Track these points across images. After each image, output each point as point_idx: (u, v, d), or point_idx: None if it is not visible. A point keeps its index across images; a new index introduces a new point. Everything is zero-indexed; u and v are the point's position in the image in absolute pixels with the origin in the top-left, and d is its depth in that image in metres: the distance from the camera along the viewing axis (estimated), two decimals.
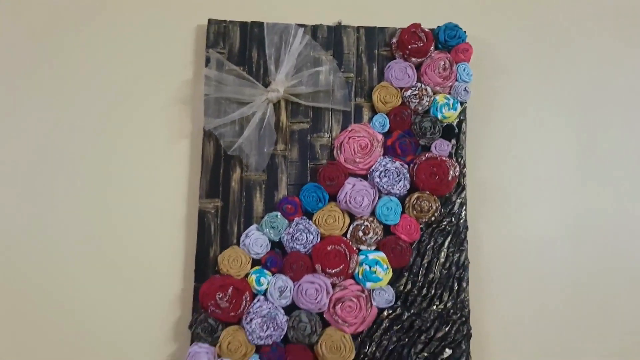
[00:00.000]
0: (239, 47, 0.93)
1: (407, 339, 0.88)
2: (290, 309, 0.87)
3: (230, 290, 0.85)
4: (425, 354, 0.87)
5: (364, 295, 0.86)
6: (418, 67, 0.93)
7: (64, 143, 0.94)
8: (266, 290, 0.87)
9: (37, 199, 0.92)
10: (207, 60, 0.91)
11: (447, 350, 0.87)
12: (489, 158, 0.96)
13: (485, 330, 0.91)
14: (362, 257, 0.87)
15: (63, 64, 0.96)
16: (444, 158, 0.90)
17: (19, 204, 0.92)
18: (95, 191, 0.93)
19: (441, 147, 0.91)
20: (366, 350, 0.86)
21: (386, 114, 0.93)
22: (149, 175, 0.93)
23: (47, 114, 0.95)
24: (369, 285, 0.86)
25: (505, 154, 0.97)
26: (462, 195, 0.92)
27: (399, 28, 0.94)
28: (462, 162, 0.92)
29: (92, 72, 0.96)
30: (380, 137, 0.91)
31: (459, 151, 0.93)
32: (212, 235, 0.89)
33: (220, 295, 0.85)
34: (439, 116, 0.92)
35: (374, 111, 0.93)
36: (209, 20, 0.93)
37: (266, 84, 0.91)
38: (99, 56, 0.96)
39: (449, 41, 0.92)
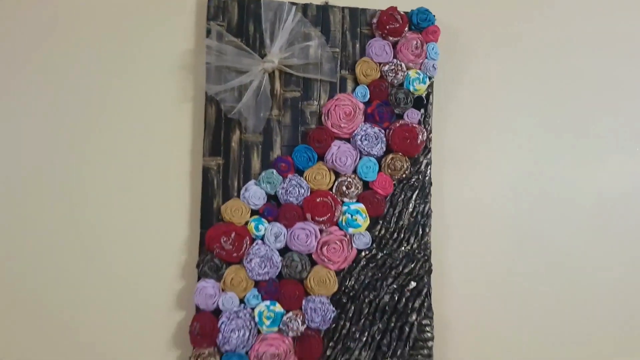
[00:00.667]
0: (237, 21, 0.96)
1: (380, 274, 0.96)
2: (284, 251, 0.94)
3: (233, 235, 0.92)
4: (395, 286, 0.96)
5: (346, 239, 0.95)
6: (394, 45, 0.99)
7: (74, 107, 0.96)
8: (263, 235, 0.94)
9: (47, 158, 0.96)
10: (208, 32, 0.94)
11: (412, 282, 0.97)
12: (452, 125, 1.03)
13: (444, 266, 1.01)
14: (345, 207, 0.95)
15: (70, 32, 0.97)
16: (414, 125, 0.97)
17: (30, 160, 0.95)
18: (107, 149, 0.96)
19: (412, 116, 0.98)
20: (347, 283, 0.96)
21: (367, 86, 0.98)
22: (156, 136, 0.97)
23: (57, 83, 0.96)
24: (350, 230, 0.95)
25: (465, 122, 1.03)
26: (428, 156, 0.99)
27: (379, 10, 0.99)
28: (429, 128, 0.99)
29: (101, 41, 0.97)
30: (361, 105, 0.97)
31: (427, 119, 0.99)
32: (215, 189, 0.95)
33: (225, 239, 0.92)
34: (411, 89, 0.98)
35: (356, 83, 0.98)
36: None
37: (262, 55, 0.95)
38: (110, 27, 0.98)
39: (420, 23, 0.98)
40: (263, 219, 0.94)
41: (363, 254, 0.97)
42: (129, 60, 0.98)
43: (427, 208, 0.99)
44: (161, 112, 0.98)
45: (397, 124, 0.98)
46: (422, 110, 0.99)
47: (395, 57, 0.99)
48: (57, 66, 0.97)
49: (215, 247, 0.92)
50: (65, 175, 0.96)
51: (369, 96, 0.98)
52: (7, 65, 0.96)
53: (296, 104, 0.98)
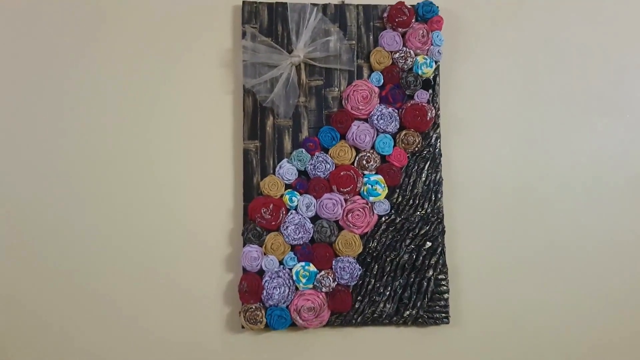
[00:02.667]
0: (267, 23, 1.03)
1: (399, 236, 1.01)
2: (314, 218, 1.00)
3: (271, 207, 0.98)
4: (412, 246, 1.01)
5: (368, 207, 1.00)
6: (403, 35, 1.03)
7: (135, 100, 1.03)
8: (297, 206, 0.99)
9: (112, 139, 1.03)
10: (244, 34, 1.01)
11: (427, 242, 1.01)
12: (457, 102, 1.06)
13: (455, 227, 1.04)
14: (366, 179, 1.00)
15: (129, 37, 1.05)
16: (423, 104, 1.01)
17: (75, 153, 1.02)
18: (163, 137, 1.04)
19: (421, 96, 1.02)
20: (370, 245, 1.01)
21: (381, 72, 1.02)
22: (203, 124, 1.04)
23: (120, 79, 1.04)
24: (371, 199, 1.00)
25: (468, 99, 1.07)
26: (437, 131, 1.03)
27: (389, 5, 1.04)
28: (437, 106, 1.03)
29: (154, 44, 1.05)
30: (376, 89, 1.01)
31: (435, 98, 1.03)
32: (254, 167, 1.01)
33: (265, 210, 0.98)
34: (420, 72, 1.02)
35: (371, 70, 1.03)
36: (243, 2, 1.03)
37: (289, 51, 1.01)
38: (160, 31, 1.05)
39: (425, 15, 1.03)
40: (296, 192, 1.00)
41: (383, 219, 1.01)
42: (178, 61, 1.05)
43: (438, 176, 1.02)
44: (206, 104, 1.04)
45: (409, 104, 1.02)
46: (430, 91, 1.03)
47: (404, 45, 1.03)
48: (118, 64, 1.05)
49: (256, 217, 0.99)
50: (130, 156, 1.04)
51: (382, 81, 1.02)
52: (65, 55, 1.03)
53: (320, 91, 1.03)
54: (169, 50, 1.06)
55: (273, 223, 0.99)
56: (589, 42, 1.09)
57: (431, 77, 1.04)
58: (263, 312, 0.98)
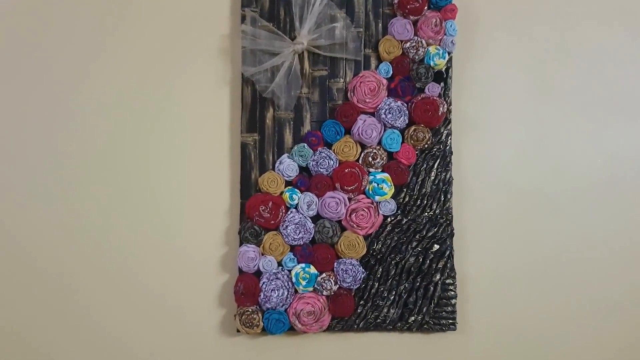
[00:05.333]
0: (269, 7, 0.99)
1: (405, 238, 0.98)
2: (316, 218, 0.98)
3: (270, 204, 0.96)
4: (419, 249, 0.98)
5: (373, 206, 0.98)
6: (415, 23, 0.99)
7: (124, 90, 1.01)
8: (297, 204, 0.97)
9: (101, 133, 1.01)
10: (243, 18, 0.98)
11: (435, 245, 0.99)
12: (470, 97, 1.03)
13: (465, 229, 1.02)
14: (371, 177, 0.97)
15: (121, 22, 1.02)
16: (435, 98, 0.98)
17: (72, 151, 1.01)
18: (155, 128, 1.01)
19: (433, 89, 0.99)
20: (374, 247, 0.98)
21: (390, 62, 0.99)
22: (199, 115, 1.02)
23: (112, 67, 1.01)
24: (377, 198, 0.97)
25: (482, 94, 1.04)
26: (449, 127, 1.00)
27: None
28: (448, 100, 1.00)
29: (146, 28, 1.02)
30: (385, 81, 0.98)
31: (447, 92, 1.00)
32: (252, 163, 0.98)
33: (263, 208, 0.96)
34: (431, 64, 0.99)
35: (379, 60, 0.99)
36: None
37: (292, 38, 0.98)
38: (153, 15, 1.02)
39: (439, 2, 0.99)
40: (296, 189, 0.98)
41: (389, 219, 0.99)
42: (172, 47, 1.02)
43: (448, 176, 1.00)
44: (202, 94, 1.02)
45: (419, 98, 0.99)
46: (442, 84, 1.00)
47: (415, 34, 0.99)
48: (110, 50, 1.02)
49: (254, 215, 0.97)
50: (120, 151, 1.01)
51: (391, 72, 0.99)
52: (51, 47, 1.01)
53: (324, 81, 1.00)
54: (162, 36, 1.03)
55: (272, 222, 0.97)
56: (607, 41, 1.06)
57: (443, 70, 1.01)
58: (260, 315, 0.97)
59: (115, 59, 1.03)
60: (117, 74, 1.03)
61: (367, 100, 0.99)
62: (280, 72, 0.97)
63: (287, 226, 0.97)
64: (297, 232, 0.97)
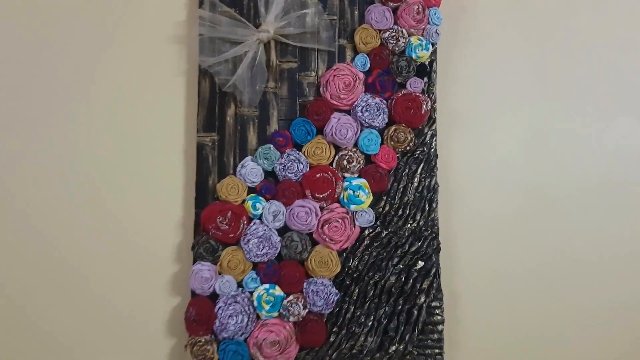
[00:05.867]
0: None
1: (385, 254, 0.94)
2: (283, 230, 0.93)
3: (229, 215, 0.91)
4: (401, 266, 0.94)
5: (348, 217, 0.93)
6: (395, 11, 0.96)
7: (61, 85, 0.96)
8: (261, 214, 0.92)
9: (36, 142, 0.96)
10: (201, 2, 0.94)
11: (419, 262, 0.94)
12: (456, 94, 1.00)
13: (453, 243, 0.98)
14: (346, 183, 0.93)
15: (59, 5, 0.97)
16: (417, 94, 0.95)
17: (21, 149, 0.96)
18: (96, 126, 0.96)
19: (415, 84, 0.96)
20: (350, 264, 0.93)
21: (367, 54, 0.96)
22: (148, 112, 0.97)
23: (43, 60, 0.97)
24: (352, 207, 0.93)
25: (470, 90, 1.01)
26: (433, 127, 0.97)
27: None
28: (433, 97, 0.97)
29: (88, 12, 0.97)
30: (361, 75, 0.95)
31: (431, 88, 0.97)
32: (210, 166, 0.94)
33: (221, 219, 0.90)
34: (413, 56, 0.95)
35: (355, 51, 0.96)
36: None
37: (257, 25, 0.94)
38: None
39: None
40: (260, 197, 0.93)
41: (366, 232, 0.95)
42: (119, 33, 0.97)
43: (433, 182, 0.96)
44: (153, 87, 0.97)
45: (400, 94, 0.95)
46: (426, 79, 0.97)
47: (395, 23, 0.97)
48: (42, 37, 0.97)
49: (210, 228, 0.91)
50: (55, 150, 0.96)
51: (369, 65, 0.96)
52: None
53: (293, 75, 0.97)
54: (107, 21, 0.98)
55: (231, 235, 0.92)
56: (610, 28, 1.04)
57: (427, 63, 0.98)
58: (215, 346, 0.91)
59: (52, 44, 0.98)
60: (54, 62, 0.98)
61: (342, 96, 0.95)
62: (243, 64, 0.93)
63: (248, 240, 0.92)
64: (261, 247, 0.92)
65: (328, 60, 0.96)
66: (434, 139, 0.97)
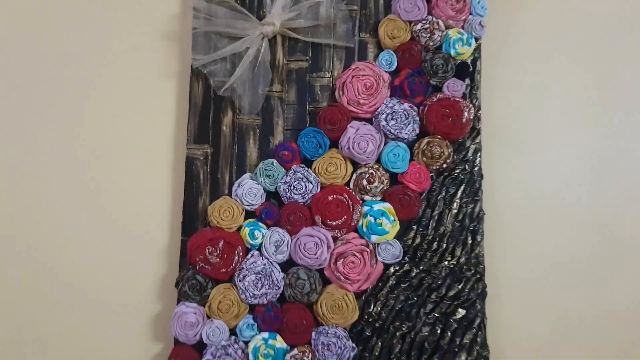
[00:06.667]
0: None
1: (415, 298, 0.86)
2: (287, 265, 0.86)
3: (221, 244, 0.83)
4: (436, 314, 0.84)
5: (368, 250, 0.85)
6: None
7: (47, 82, 0.92)
8: (261, 244, 0.85)
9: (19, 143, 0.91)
10: None
11: (460, 310, 0.85)
12: (506, 99, 0.94)
13: (502, 288, 0.90)
14: (366, 208, 0.86)
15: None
16: (457, 99, 0.87)
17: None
18: (77, 135, 0.91)
19: (454, 87, 0.88)
20: (371, 310, 0.85)
21: (393, 51, 0.90)
22: (132, 120, 0.92)
23: (31, 52, 0.92)
24: (374, 238, 0.85)
25: (523, 95, 0.94)
26: (477, 140, 0.89)
27: None
28: (477, 103, 0.89)
29: (75, 6, 0.93)
30: (386, 76, 0.89)
31: (474, 92, 0.89)
32: (201, 185, 0.88)
33: (210, 250, 0.83)
34: (452, 53, 0.88)
35: (380, 47, 0.90)
36: None
37: (260, 17, 0.88)
38: None
39: None
40: (260, 223, 0.86)
41: (392, 270, 0.87)
42: (104, 30, 0.93)
43: (477, 209, 0.88)
44: (139, 91, 0.93)
45: (434, 99, 0.88)
46: (467, 80, 0.90)
47: (430, 13, 0.90)
48: (26, 37, 0.93)
49: (198, 261, 0.83)
50: (25, 157, 0.92)
51: (396, 64, 0.90)
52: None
53: (303, 76, 0.91)
54: (93, 17, 0.93)
55: (223, 270, 0.84)
56: None
57: (469, 61, 0.90)
58: None
59: (34, 40, 0.93)
60: (35, 61, 0.93)
61: (362, 102, 0.88)
62: (243, 63, 0.87)
63: (244, 276, 0.84)
64: (259, 285, 0.84)
65: (345, 59, 0.91)
66: (478, 154, 0.89)
